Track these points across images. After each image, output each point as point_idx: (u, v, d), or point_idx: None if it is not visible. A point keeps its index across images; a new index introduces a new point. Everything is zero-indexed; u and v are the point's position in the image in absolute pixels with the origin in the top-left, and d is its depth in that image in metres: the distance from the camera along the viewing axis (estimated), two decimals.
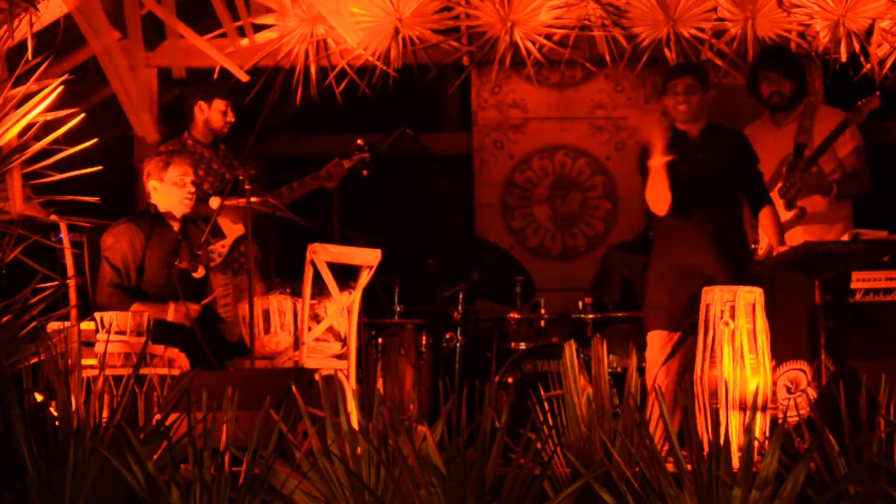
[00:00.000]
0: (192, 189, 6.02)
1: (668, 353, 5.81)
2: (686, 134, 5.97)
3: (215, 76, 6.55)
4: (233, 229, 6.58)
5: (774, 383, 6.02)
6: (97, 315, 5.17)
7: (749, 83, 6.60)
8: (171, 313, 5.83)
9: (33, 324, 3.98)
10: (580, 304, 7.20)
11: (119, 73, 3.14)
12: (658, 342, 5.89)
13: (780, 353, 6.00)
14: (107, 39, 3.12)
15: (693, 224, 5.90)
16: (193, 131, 6.71)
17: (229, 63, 3.12)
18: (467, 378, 4.54)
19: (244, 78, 3.12)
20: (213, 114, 6.69)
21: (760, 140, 6.48)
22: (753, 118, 6.71)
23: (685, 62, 6.31)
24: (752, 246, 6.29)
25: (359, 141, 6.55)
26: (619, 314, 7.16)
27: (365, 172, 6.55)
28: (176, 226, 6.04)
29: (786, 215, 6.35)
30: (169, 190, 5.99)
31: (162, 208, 6.02)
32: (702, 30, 6.49)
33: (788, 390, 6.08)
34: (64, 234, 5.90)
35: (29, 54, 4.05)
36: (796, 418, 5.27)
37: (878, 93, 6.20)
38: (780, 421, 4.78)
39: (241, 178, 5.99)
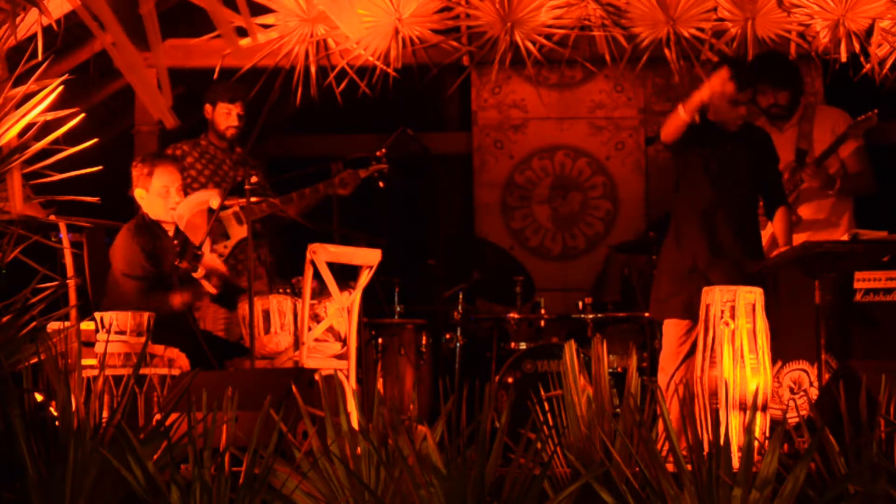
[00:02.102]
0: (178, 199, 6.00)
1: (688, 350, 5.75)
2: (718, 124, 5.97)
3: (215, 76, 6.56)
4: (237, 231, 6.58)
5: (780, 383, 6.03)
6: (97, 315, 5.17)
7: None
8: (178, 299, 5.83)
9: (33, 324, 3.98)
10: (580, 304, 7.21)
11: (131, 65, 3.12)
12: (675, 333, 5.87)
13: (786, 352, 6.01)
14: (114, 34, 3.11)
15: (715, 217, 5.90)
16: (209, 133, 6.76)
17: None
18: (467, 378, 4.53)
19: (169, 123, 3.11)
20: (217, 117, 6.73)
21: None
22: (753, 117, 6.71)
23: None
24: None
25: (378, 153, 6.56)
26: (619, 314, 7.16)
27: (381, 184, 6.56)
28: (171, 230, 6.04)
29: None
30: (153, 200, 5.97)
31: (152, 216, 6.02)
32: (702, 30, 6.49)
33: (791, 391, 6.08)
34: (64, 234, 5.90)
35: (39, 52, 4.05)
36: (796, 418, 5.27)
37: (876, 111, 6.22)
38: (781, 420, 4.79)
39: (239, 179, 6.00)
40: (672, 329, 5.90)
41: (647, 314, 6.80)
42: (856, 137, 6.45)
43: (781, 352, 5.89)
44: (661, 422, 3.91)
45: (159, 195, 5.96)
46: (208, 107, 6.75)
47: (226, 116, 6.69)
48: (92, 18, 3.20)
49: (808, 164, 6.39)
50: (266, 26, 6.49)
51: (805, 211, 6.46)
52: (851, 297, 6.23)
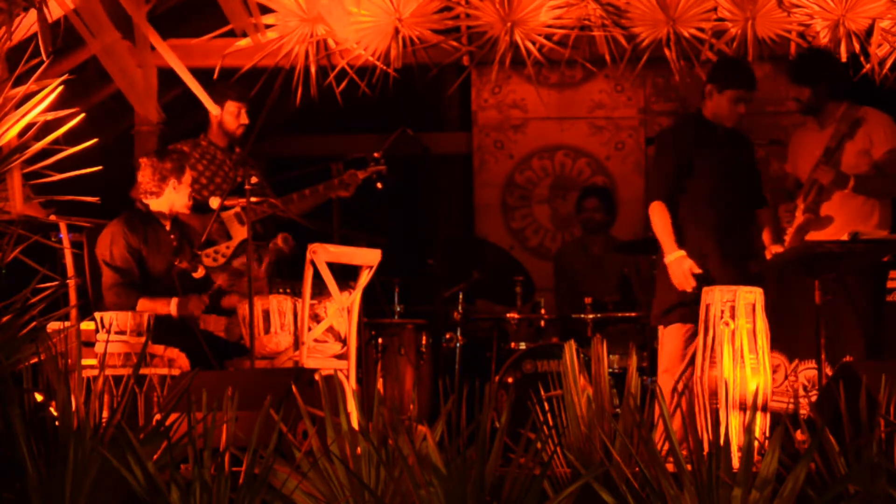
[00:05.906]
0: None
1: (693, 352, 5.72)
2: (717, 128, 6.00)
3: (215, 76, 6.56)
4: (239, 231, 6.56)
5: (796, 377, 6.05)
6: (97, 315, 5.17)
7: None
8: (175, 307, 5.82)
9: (33, 324, 3.99)
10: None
11: (122, 69, 3.13)
12: (680, 337, 5.85)
13: (801, 351, 6.03)
14: (107, 38, 3.12)
15: (724, 219, 5.93)
16: (209, 133, 6.74)
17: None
18: (467, 378, 4.54)
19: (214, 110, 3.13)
20: (225, 116, 6.70)
21: (804, 142, 6.44)
22: (752, 117, 6.71)
23: (751, 71, 6.27)
24: None
25: (375, 154, 6.57)
26: (619, 314, 7.16)
27: (380, 185, 6.57)
28: (167, 224, 6.05)
29: (799, 219, 6.33)
30: (183, 190, 6.03)
31: (160, 207, 6.02)
32: (702, 30, 6.48)
33: (805, 388, 6.08)
34: (64, 234, 5.90)
35: (42, 51, 4.06)
36: (806, 412, 5.28)
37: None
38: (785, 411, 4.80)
39: (239, 179, 6.00)
40: (675, 332, 5.89)
41: (647, 319, 6.77)
42: (889, 139, 6.33)
43: (800, 349, 5.99)
44: (661, 422, 3.91)
45: (188, 185, 6.07)
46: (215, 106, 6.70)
47: (235, 115, 6.68)
48: (82, 23, 3.21)
49: (820, 160, 6.33)
50: (266, 26, 6.49)
51: (827, 209, 6.37)
52: (884, 296, 6.25)
